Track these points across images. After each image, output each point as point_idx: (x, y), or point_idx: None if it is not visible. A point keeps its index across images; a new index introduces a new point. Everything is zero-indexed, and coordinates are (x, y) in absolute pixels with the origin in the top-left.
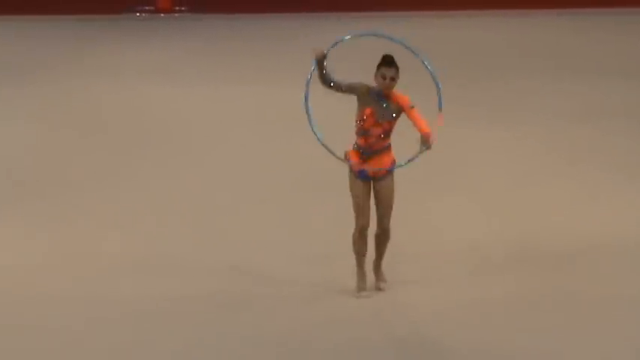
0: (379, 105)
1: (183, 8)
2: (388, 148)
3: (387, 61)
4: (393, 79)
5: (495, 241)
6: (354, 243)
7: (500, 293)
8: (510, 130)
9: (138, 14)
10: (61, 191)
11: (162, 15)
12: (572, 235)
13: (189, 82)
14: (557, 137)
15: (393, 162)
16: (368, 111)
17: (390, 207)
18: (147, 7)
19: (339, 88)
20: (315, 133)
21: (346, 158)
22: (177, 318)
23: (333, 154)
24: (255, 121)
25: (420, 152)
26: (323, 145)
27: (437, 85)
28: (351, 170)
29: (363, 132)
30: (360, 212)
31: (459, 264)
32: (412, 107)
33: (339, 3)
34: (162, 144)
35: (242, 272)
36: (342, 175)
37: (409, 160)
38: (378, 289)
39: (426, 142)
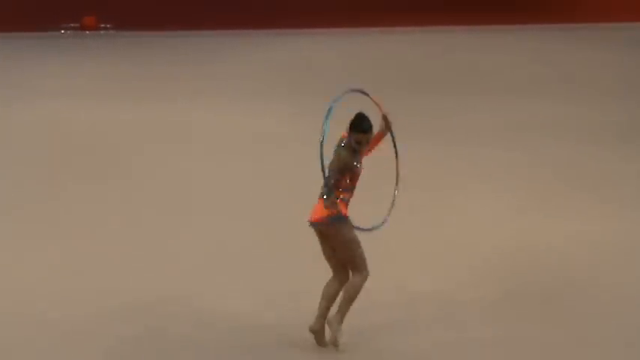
0: (357, 159)
1: (108, 26)
2: None
3: (363, 128)
4: (368, 142)
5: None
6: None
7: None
8: (439, 145)
9: (63, 32)
10: None
11: (87, 32)
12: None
13: (114, 98)
14: (481, 153)
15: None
16: (359, 171)
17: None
18: (72, 25)
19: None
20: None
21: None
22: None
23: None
24: (180, 138)
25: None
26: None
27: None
28: (347, 220)
29: (352, 188)
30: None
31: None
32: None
33: (265, 20)
34: (86, 161)
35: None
36: (270, 193)
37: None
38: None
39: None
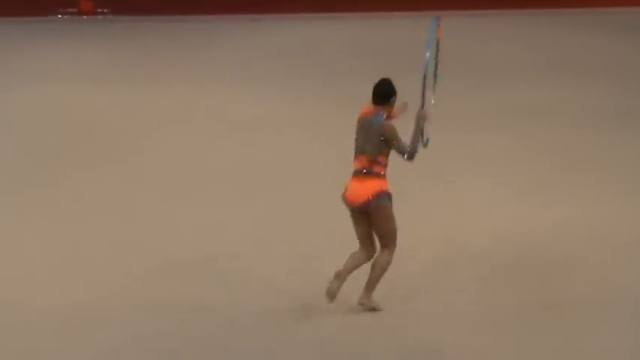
0: None
1: (105, 10)
2: None
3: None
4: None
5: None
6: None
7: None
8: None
9: (60, 16)
10: None
11: (84, 17)
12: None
13: (112, 83)
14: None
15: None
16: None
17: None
18: (69, 10)
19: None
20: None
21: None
22: (99, 322)
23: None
24: (178, 122)
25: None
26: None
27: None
28: (390, 197)
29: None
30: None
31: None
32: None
33: (262, 4)
34: (86, 145)
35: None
36: (270, 174)
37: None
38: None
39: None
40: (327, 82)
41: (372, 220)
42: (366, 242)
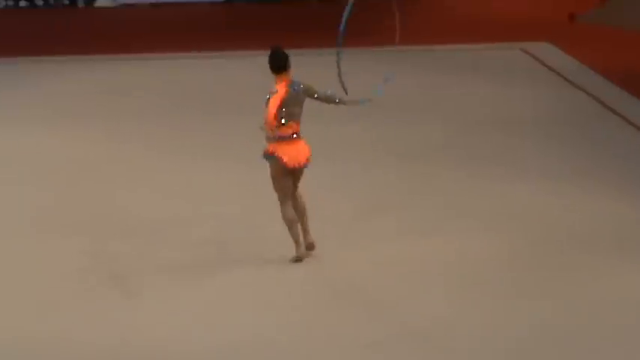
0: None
1: None
2: None
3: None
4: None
5: None
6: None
7: None
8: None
9: None
10: None
11: None
12: None
13: None
14: None
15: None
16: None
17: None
18: None
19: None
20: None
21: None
22: None
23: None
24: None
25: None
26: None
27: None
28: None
29: None
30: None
31: None
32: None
33: (68, 48)
34: None
35: None
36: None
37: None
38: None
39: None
40: (136, 120)
41: (299, 175)
42: (293, 195)
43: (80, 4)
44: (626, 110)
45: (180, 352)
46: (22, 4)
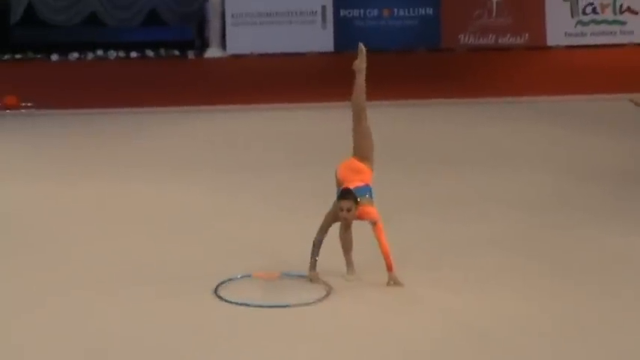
0: None
1: (29, 104)
2: None
3: (343, 195)
4: (350, 210)
5: None
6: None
7: None
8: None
9: None
10: None
11: (7, 112)
12: None
13: (33, 177)
14: None
15: None
16: None
17: None
18: None
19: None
20: None
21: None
22: None
23: None
24: (100, 217)
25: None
26: None
27: None
28: None
29: None
30: None
31: None
32: (375, 223)
33: (181, 99)
34: (5, 241)
35: None
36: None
37: None
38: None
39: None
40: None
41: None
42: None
43: (190, 56)
44: None
45: None
46: (133, 54)
